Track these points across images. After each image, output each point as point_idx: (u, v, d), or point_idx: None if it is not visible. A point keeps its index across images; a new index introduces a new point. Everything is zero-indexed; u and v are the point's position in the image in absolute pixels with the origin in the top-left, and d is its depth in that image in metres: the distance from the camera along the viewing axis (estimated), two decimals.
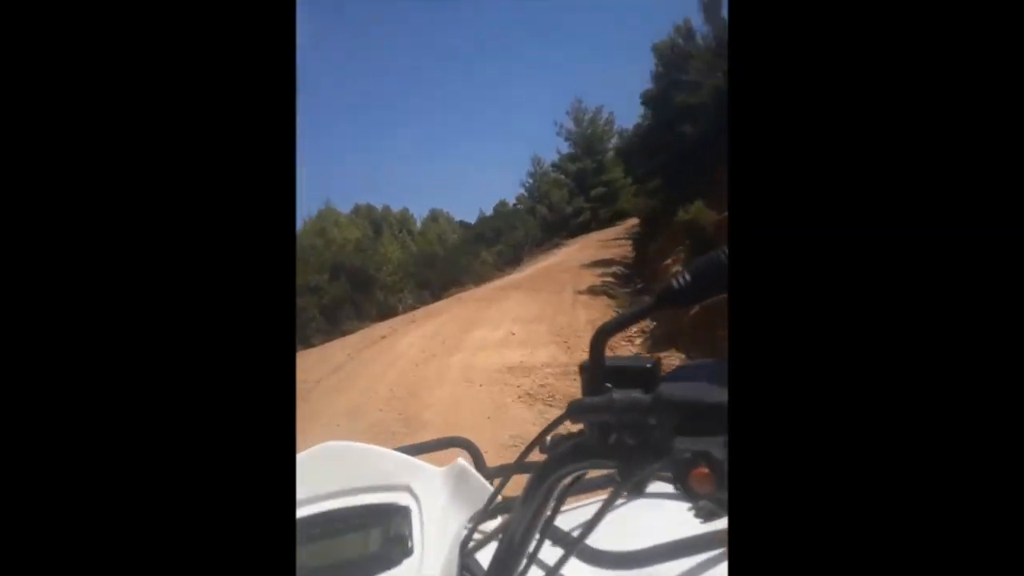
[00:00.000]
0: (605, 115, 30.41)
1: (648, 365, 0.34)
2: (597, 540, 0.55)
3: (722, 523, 0.33)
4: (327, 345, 12.64)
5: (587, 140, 29.89)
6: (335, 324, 15.06)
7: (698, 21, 12.05)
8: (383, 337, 11.30)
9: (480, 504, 0.58)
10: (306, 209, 22.80)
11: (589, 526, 0.41)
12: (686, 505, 0.58)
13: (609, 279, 13.74)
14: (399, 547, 0.56)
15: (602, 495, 0.59)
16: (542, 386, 6.17)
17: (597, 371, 0.35)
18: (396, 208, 28.67)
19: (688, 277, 0.32)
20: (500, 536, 0.47)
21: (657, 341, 7.08)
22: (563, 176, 29.66)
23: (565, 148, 30.42)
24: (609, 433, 0.34)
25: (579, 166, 29.54)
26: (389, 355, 9.36)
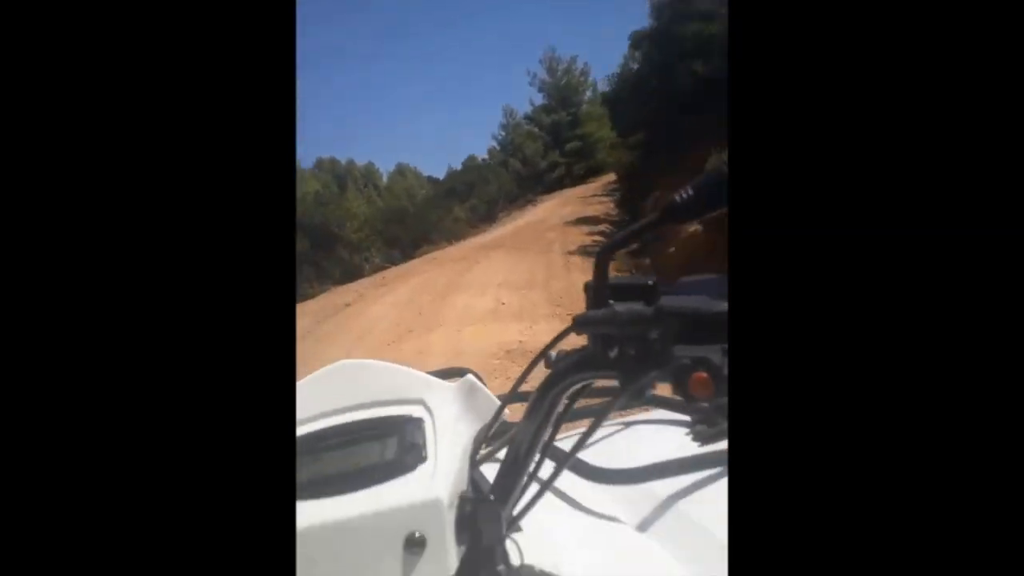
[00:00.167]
0: (580, 65, 28.33)
1: (649, 282, 0.35)
2: (598, 459, 0.63)
3: (718, 446, 0.38)
4: None
5: (561, 91, 27.80)
6: None
7: None
8: (347, 305, 9.42)
9: (489, 417, 0.60)
10: None
11: (587, 435, 0.43)
12: (684, 430, 0.64)
13: (599, 238, 12.05)
14: (414, 454, 0.55)
15: (605, 421, 0.60)
16: None
17: (601, 288, 0.35)
18: (360, 163, 26.32)
19: (691, 191, 0.32)
20: (506, 449, 0.48)
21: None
22: (537, 129, 27.54)
23: (539, 99, 28.25)
24: (612, 345, 0.35)
25: (554, 118, 27.53)
26: (355, 329, 7.58)
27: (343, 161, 25.60)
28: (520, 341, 5.59)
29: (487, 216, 21.77)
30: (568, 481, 0.61)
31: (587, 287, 0.36)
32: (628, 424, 0.84)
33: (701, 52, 9.67)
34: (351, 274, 14.40)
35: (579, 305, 0.37)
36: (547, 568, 0.52)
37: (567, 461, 0.49)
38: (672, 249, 8.08)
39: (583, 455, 0.60)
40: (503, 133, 28.33)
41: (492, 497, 0.49)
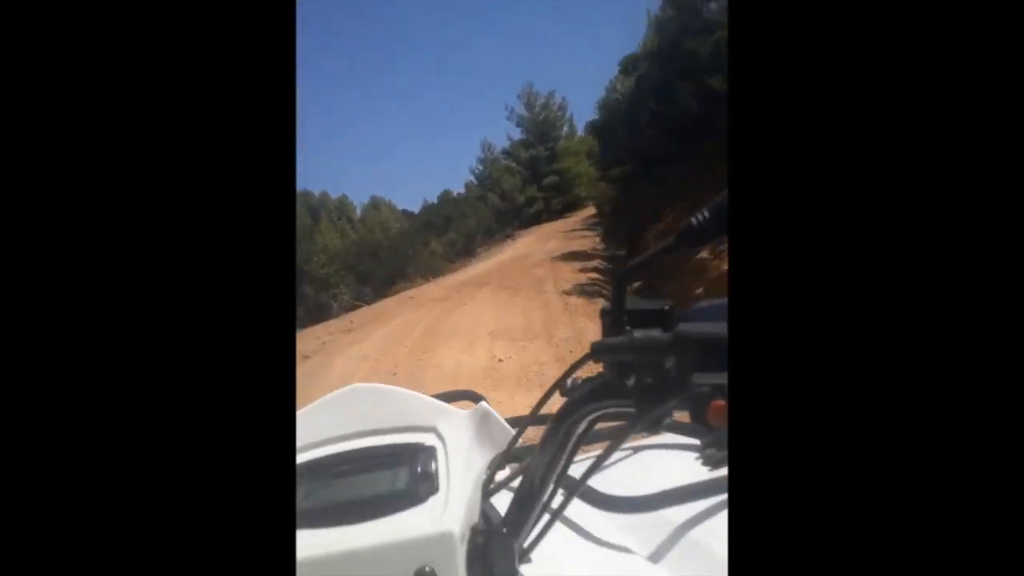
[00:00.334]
0: (558, 100, 27.49)
1: (666, 307, 0.34)
2: (607, 486, 0.59)
3: (726, 471, 0.36)
4: None
5: (539, 126, 26.84)
6: None
7: None
8: (306, 358, 7.55)
9: (502, 446, 0.58)
10: None
11: (599, 462, 0.41)
12: (693, 455, 0.60)
13: (594, 275, 10.54)
14: (426, 484, 0.53)
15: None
16: None
17: (618, 314, 0.34)
18: (334, 195, 24.61)
19: (707, 214, 0.31)
20: (520, 479, 0.47)
21: None
22: (515, 163, 26.38)
23: (517, 134, 27.22)
24: (629, 373, 0.34)
25: (532, 153, 26.50)
26: (311, 394, 5.73)
27: (316, 193, 23.88)
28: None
29: (465, 251, 20.27)
30: (578, 510, 0.57)
31: (603, 313, 0.36)
32: (637, 449, 0.77)
33: (708, 68, 8.42)
34: (316, 314, 12.56)
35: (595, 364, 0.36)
36: None
37: (578, 488, 0.46)
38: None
39: (593, 482, 0.55)
40: (480, 167, 27.10)
41: (505, 529, 0.47)
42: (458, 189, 26.89)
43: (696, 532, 0.56)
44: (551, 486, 0.44)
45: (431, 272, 16.59)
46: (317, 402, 0.65)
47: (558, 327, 6.90)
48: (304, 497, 0.52)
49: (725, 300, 0.33)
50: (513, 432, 0.59)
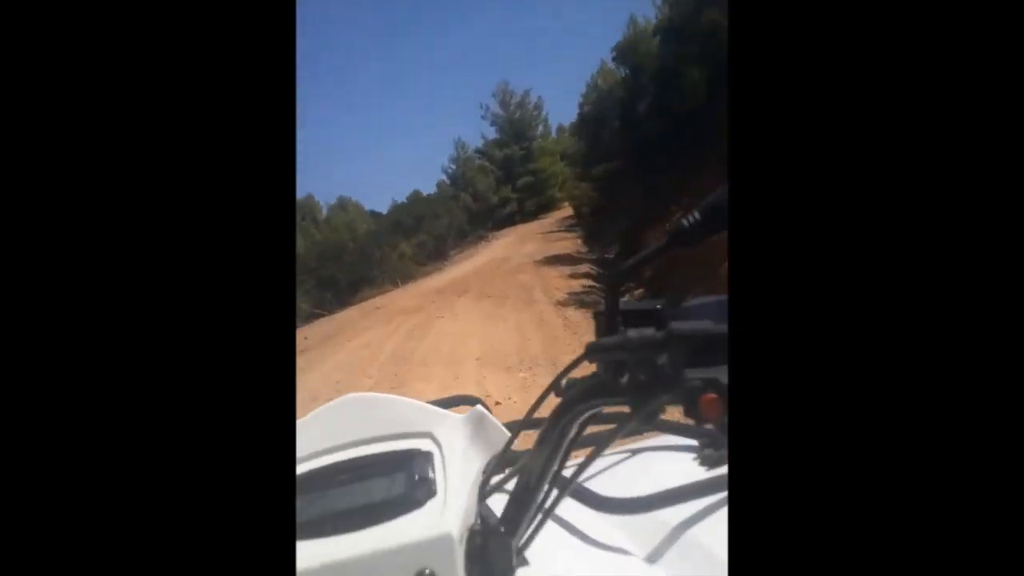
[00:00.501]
0: (534, 99, 26.05)
1: (658, 306, 0.34)
2: (605, 487, 0.58)
3: (725, 469, 0.34)
4: None
5: (514, 125, 25.34)
6: None
7: None
8: None
9: (498, 449, 0.59)
10: None
11: (592, 457, 0.42)
12: (690, 455, 0.59)
13: (586, 281, 9.01)
14: (423, 489, 0.53)
15: (612, 449, 0.61)
16: None
17: (612, 315, 0.35)
18: (300, 195, 22.51)
19: (698, 215, 0.32)
20: (516, 480, 0.47)
21: None
22: (489, 163, 24.79)
23: (491, 133, 25.65)
24: (623, 371, 0.34)
25: (506, 152, 24.94)
26: None
27: None
28: None
29: (436, 253, 18.58)
30: (576, 512, 0.57)
31: (597, 314, 0.36)
32: (634, 451, 0.75)
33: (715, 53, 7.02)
34: None
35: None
36: None
37: (570, 486, 0.47)
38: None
39: (590, 484, 0.56)
40: (453, 167, 25.38)
41: (502, 529, 0.47)
42: (429, 190, 25.13)
43: (694, 532, 0.55)
44: (547, 486, 0.44)
45: (400, 276, 14.86)
46: (312, 413, 0.63)
47: (563, 350, 5.33)
48: (304, 508, 0.51)
49: (716, 298, 0.35)
50: (509, 435, 0.58)
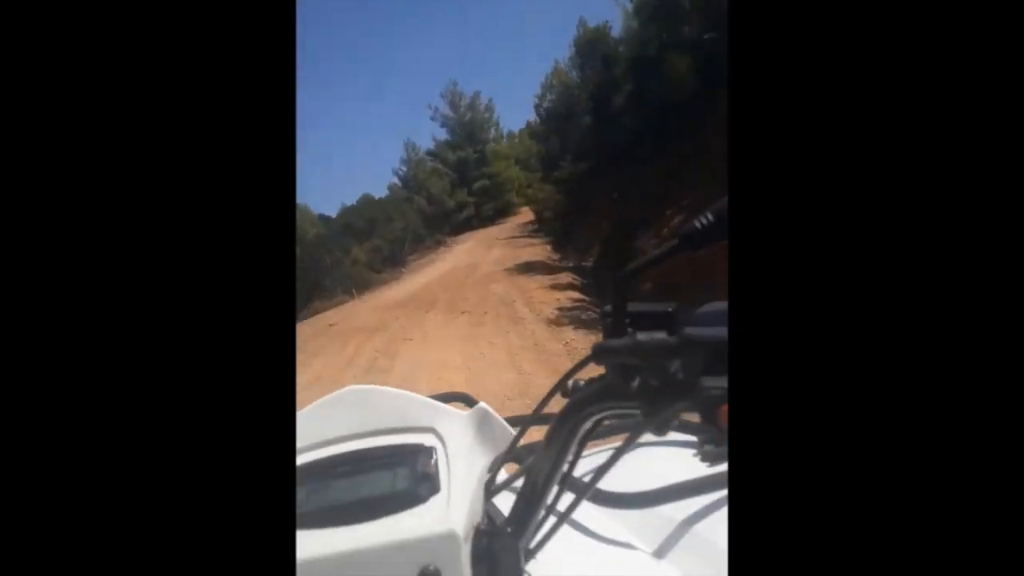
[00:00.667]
0: (484, 101, 24.75)
1: (669, 309, 0.33)
2: (607, 482, 0.55)
3: (725, 467, 0.32)
4: None
5: (466, 127, 23.96)
6: None
7: None
8: None
9: (503, 447, 0.57)
10: None
11: (606, 467, 0.41)
12: (691, 451, 0.57)
13: (575, 294, 7.79)
14: (427, 484, 0.51)
15: (615, 441, 0.56)
16: None
17: (619, 315, 0.33)
18: None
19: (711, 216, 0.30)
20: (523, 480, 0.46)
21: None
22: (442, 165, 23.28)
23: (442, 135, 24.18)
24: (633, 375, 0.33)
25: (459, 155, 23.54)
26: None
27: None
28: None
29: (392, 259, 16.91)
30: (579, 508, 0.54)
31: (604, 313, 0.34)
32: (634, 446, 0.70)
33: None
34: None
35: None
36: None
37: (587, 492, 0.44)
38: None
39: (590, 479, 0.53)
40: (405, 169, 23.66)
41: (509, 529, 0.46)
42: (380, 193, 23.32)
43: (699, 527, 0.54)
44: (555, 487, 0.43)
45: (355, 285, 13.17)
46: (314, 404, 0.60)
47: None
48: (305, 499, 0.50)
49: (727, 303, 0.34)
50: (514, 433, 0.57)
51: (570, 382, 0.39)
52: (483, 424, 0.59)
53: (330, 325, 8.23)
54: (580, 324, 5.98)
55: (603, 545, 0.54)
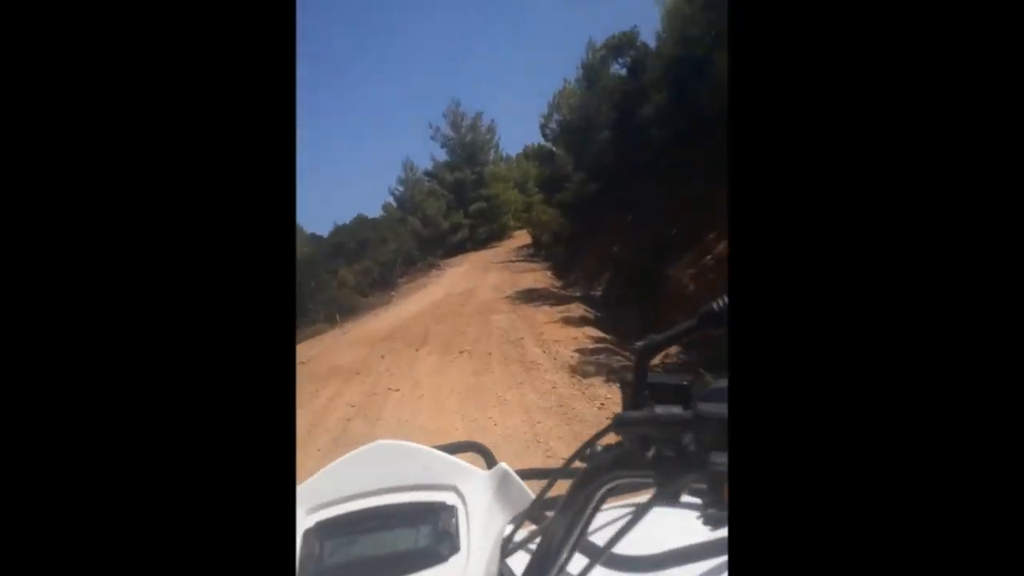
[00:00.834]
0: (487, 123, 23.71)
1: (684, 383, 0.34)
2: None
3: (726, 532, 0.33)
4: None
5: (466, 148, 22.84)
6: None
7: None
8: None
9: (521, 508, 0.58)
10: None
11: (620, 534, 0.41)
12: (694, 514, 0.55)
13: (594, 332, 6.44)
14: (447, 544, 0.53)
15: (623, 499, 0.58)
16: None
17: (639, 387, 0.34)
18: None
19: (728, 300, 0.31)
20: (538, 540, 0.47)
21: None
22: (439, 186, 22.06)
23: (442, 155, 23.02)
24: (648, 445, 0.33)
25: (457, 176, 22.34)
26: None
27: None
28: None
29: (383, 282, 15.48)
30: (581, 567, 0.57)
31: (624, 383, 0.35)
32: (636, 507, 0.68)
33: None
34: None
35: None
36: None
37: (600, 557, 0.44)
38: None
39: (595, 539, 0.53)
40: (401, 188, 22.40)
41: None
42: (375, 213, 22.01)
43: None
44: (569, 549, 0.44)
45: (340, 310, 11.73)
46: (344, 457, 0.62)
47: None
48: (331, 553, 0.50)
49: None
50: (532, 496, 0.57)
51: (587, 450, 0.40)
52: (502, 484, 0.60)
53: (301, 363, 6.74)
54: (610, 375, 4.63)
55: None
